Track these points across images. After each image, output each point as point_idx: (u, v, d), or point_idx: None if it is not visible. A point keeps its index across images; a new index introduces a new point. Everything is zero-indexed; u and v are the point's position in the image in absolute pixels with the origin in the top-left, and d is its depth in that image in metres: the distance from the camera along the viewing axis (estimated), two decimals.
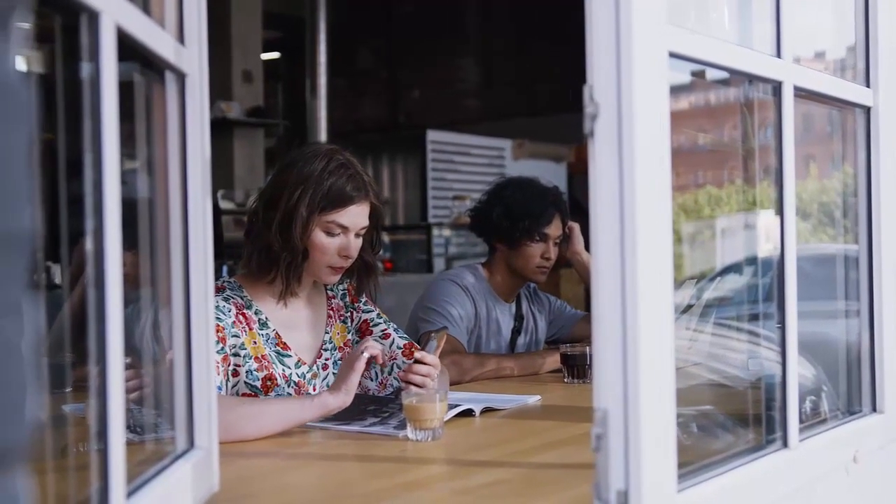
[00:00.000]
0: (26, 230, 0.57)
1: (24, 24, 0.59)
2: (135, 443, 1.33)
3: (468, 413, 2.11)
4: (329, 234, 2.18)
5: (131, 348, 1.17)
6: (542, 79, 9.26)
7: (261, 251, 2.19)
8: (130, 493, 1.09)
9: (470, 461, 1.74)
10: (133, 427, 1.38)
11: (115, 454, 1.01)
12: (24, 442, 0.58)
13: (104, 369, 1.01)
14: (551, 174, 6.92)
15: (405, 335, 2.40)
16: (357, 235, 2.22)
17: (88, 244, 1.00)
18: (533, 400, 2.35)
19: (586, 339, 2.97)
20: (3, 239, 0.55)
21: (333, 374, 2.30)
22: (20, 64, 0.58)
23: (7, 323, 0.55)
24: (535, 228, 2.98)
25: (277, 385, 2.18)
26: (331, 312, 2.37)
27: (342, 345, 2.35)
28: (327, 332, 2.34)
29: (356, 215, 2.20)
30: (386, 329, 2.38)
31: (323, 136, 8.64)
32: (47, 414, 1.22)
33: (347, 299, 2.40)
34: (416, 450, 1.81)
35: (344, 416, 2.03)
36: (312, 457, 1.79)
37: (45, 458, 1.12)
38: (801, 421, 1.55)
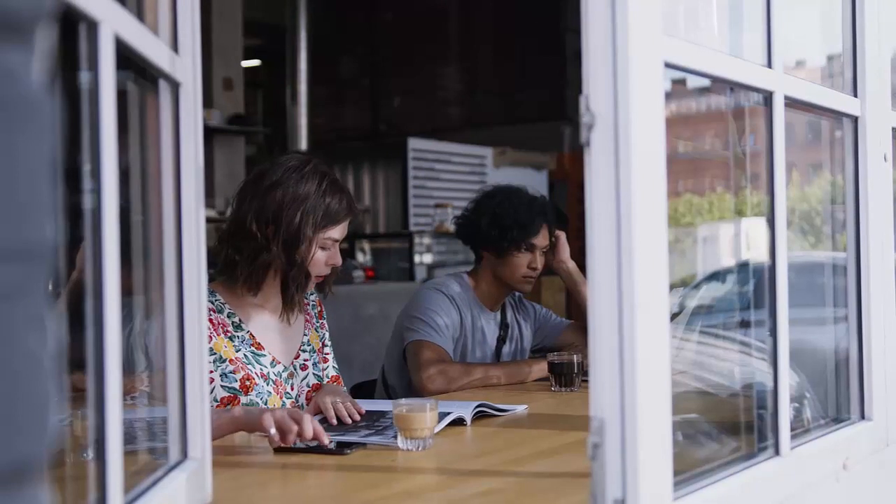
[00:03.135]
0: (49, 242, 0.57)
1: (47, 35, 0.59)
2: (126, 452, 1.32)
3: (459, 422, 2.11)
4: (323, 248, 2.28)
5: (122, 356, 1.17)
6: (523, 87, 9.29)
7: (261, 269, 2.25)
8: None
9: (462, 470, 1.74)
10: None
11: (112, 465, 1.00)
12: (47, 454, 0.58)
13: (102, 380, 1.00)
14: (532, 182, 6.93)
15: (337, 366, 2.53)
16: (340, 244, 2.34)
17: (86, 253, 1.00)
18: (521, 409, 2.35)
19: (572, 347, 2.98)
20: (26, 251, 0.55)
21: (314, 374, 2.40)
22: (43, 75, 0.58)
23: (31, 335, 0.55)
24: (523, 239, 2.98)
25: (256, 384, 2.23)
26: (307, 317, 2.45)
27: (318, 349, 2.45)
28: (305, 335, 2.41)
29: (345, 228, 2.33)
30: (328, 354, 2.51)
31: (304, 143, 8.61)
32: None
33: (316, 311, 2.51)
34: (406, 459, 1.81)
35: (338, 429, 2.03)
36: (304, 467, 1.78)
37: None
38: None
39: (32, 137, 0.55)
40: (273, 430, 1.80)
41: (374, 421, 2.12)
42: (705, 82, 1.57)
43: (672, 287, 2.19)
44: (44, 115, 0.57)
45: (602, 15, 1.16)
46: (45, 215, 0.57)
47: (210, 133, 7.39)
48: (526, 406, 2.38)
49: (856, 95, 1.84)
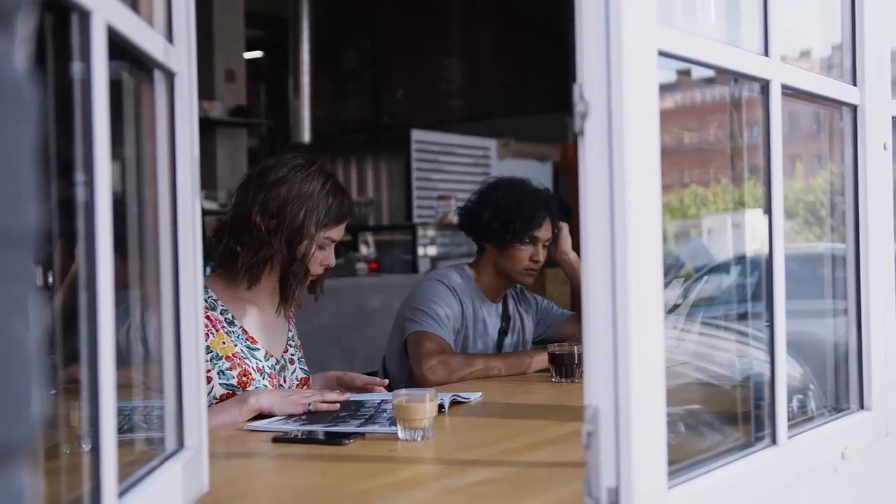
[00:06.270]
0: (31, 228, 0.57)
1: (29, 22, 0.59)
2: (123, 442, 1.32)
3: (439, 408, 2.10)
4: (320, 247, 2.31)
5: (118, 349, 1.17)
6: (526, 78, 9.28)
7: (262, 262, 2.27)
8: (121, 494, 1.09)
9: (460, 460, 1.74)
10: (121, 427, 1.37)
11: (106, 454, 1.01)
12: (30, 439, 0.58)
13: (95, 370, 1.00)
14: (536, 174, 6.92)
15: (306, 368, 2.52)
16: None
17: (79, 245, 1.00)
18: (476, 396, 2.36)
19: (574, 338, 2.98)
20: (9, 236, 0.55)
21: (301, 368, 2.44)
22: (24, 63, 0.58)
23: (13, 320, 0.55)
24: (526, 231, 2.98)
25: (253, 379, 2.26)
26: (291, 314, 2.49)
27: (299, 345, 2.50)
28: (290, 330, 2.47)
29: (343, 229, 2.37)
30: (300, 353, 2.52)
31: (306, 136, 8.62)
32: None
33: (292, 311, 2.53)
34: (405, 449, 1.81)
35: (327, 421, 2.02)
36: (302, 457, 1.79)
37: (36, 459, 1.11)
38: (788, 419, 1.56)
39: (14, 124, 0.56)
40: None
41: (355, 410, 2.12)
42: (710, 73, 1.57)
43: (677, 278, 2.19)
44: (25, 101, 0.57)
45: (595, 3, 1.16)
46: (27, 201, 0.57)
47: (212, 125, 7.39)
48: (480, 393, 2.39)
49: (855, 84, 1.83)
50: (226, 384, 2.21)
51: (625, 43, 1.15)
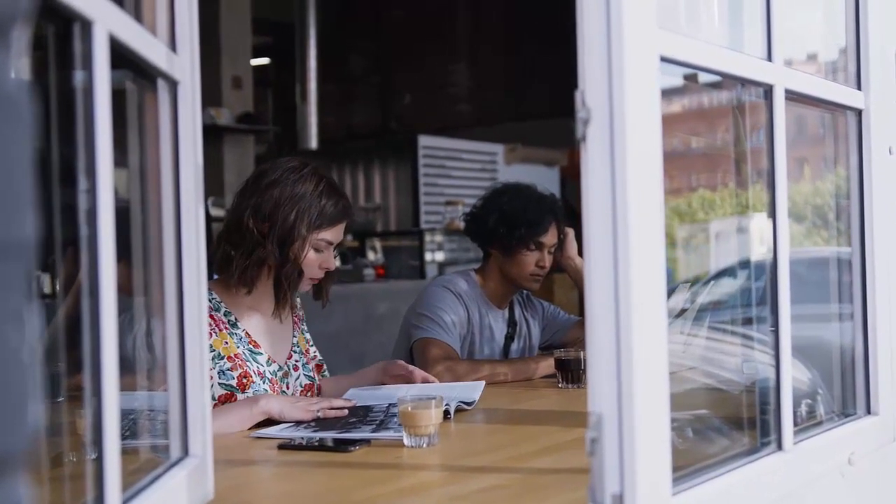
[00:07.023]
0: (28, 238, 0.58)
1: (24, 33, 0.59)
2: (128, 450, 1.32)
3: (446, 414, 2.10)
4: (316, 250, 2.31)
5: (124, 357, 1.17)
6: (533, 83, 9.28)
7: (255, 265, 2.27)
8: (125, 502, 1.09)
9: (466, 467, 1.74)
10: (124, 434, 1.38)
11: (110, 462, 1.01)
12: (26, 448, 0.58)
13: (99, 378, 1.00)
14: (544, 179, 6.92)
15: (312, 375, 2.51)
16: (335, 249, 2.37)
17: (83, 253, 1.00)
18: (479, 387, 2.39)
19: (580, 343, 2.97)
20: (5, 247, 0.55)
21: (305, 374, 2.44)
22: (21, 72, 0.58)
23: (9, 330, 0.55)
24: (532, 237, 2.97)
25: (253, 382, 2.27)
26: (296, 320, 2.49)
27: (305, 350, 2.49)
28: (294, 336, 2.46)
29: (341, 232, 2.36)
30: (314, 350, 2.54)
31: (313, 142, 8.62)
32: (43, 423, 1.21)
33: (302, 315, 2.55)
34: (411, 456, 1.81)
35: (337, 428, 2.02)
36: (307, 464, 1.78)
37: (40, 467, 1.12)
38: (796, 424, 1.55)
39: (11, 135, 0.56)
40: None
41: (364, 416, 2.12)
42: (717, 77, 1.57)
43: (684, 283, 2.18)
44: (22, 112, 0.57)
45: (596, 9, 1.16)
46: (24, 212, 0.57)
47: (219, 132, 7.40)
48: (483, 383, 2.42)
49: (860, 88, 1.83)
50: (225, 384, 2.22)
51: (626, 49, 1.15)
